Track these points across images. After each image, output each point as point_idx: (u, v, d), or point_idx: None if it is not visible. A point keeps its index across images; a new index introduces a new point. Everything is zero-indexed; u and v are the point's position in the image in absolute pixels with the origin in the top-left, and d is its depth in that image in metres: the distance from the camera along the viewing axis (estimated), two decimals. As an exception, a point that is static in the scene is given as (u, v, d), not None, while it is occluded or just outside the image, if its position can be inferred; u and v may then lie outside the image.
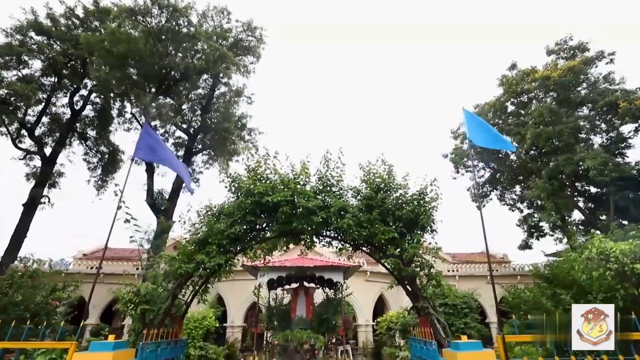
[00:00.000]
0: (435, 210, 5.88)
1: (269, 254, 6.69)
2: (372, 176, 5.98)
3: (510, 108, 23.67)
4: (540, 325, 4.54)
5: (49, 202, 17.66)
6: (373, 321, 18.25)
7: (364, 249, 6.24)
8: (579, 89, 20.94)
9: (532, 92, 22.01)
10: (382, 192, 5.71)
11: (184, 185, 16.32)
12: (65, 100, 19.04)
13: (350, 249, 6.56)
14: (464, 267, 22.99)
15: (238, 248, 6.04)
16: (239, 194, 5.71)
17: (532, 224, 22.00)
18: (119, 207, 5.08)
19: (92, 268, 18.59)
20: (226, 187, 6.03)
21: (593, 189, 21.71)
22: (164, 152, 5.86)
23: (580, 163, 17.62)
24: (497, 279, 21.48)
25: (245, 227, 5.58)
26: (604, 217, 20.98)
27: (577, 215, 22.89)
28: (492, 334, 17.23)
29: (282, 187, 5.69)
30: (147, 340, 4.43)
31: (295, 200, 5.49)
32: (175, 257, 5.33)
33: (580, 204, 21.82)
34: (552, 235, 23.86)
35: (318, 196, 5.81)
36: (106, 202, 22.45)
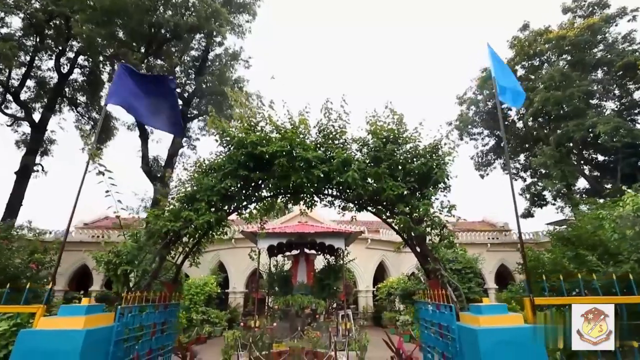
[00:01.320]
0: (450, 165, 5.19)
1: (266, 214, 6.08)
2: (379, 126, 5.21)
3: (520, 72, 22.31)
4: (560, 288, 4.03)
5: (42, 170, 17.00)
6: (373, 287, 18.30)
7: (369, 209, 5.62)
8: (594, 50, 19.52)
9: (544, 54, 20.57)
10: (391, 143, 4.97)
11: (179, 149, 15.43)
12: (51, 63, 17.79)
13: (354, 208, 5.94)
14: (464, 235, 22.79)
15: (232, 207, 5.42)
16: (231, 146, 4.98)
17: (536, 192, 21.48)
18: (91, 159, 4.38)
19: (93, 237, 18.35)
20: (216, 140, 5.30)
21: (600, 157, 20.96)
22: (145, 101, 5.04)
23: (592, 129, 16.70)
24: (498, 246, 21.36)
25: (237, 182, 4.91)
26: (609, 186, 20.42)
27: (581, 184, 22.35)
28: (490, 300, 17.29)
29: (278, 137, 4.95)
30: (131, 304, 3.92)
31: (294, 151, 4.77)
32: (160, 215, 4.71)
33: (586, 172, 21.16)
34: (553, 205, 23.48)
35: (319, 149, 5.09)
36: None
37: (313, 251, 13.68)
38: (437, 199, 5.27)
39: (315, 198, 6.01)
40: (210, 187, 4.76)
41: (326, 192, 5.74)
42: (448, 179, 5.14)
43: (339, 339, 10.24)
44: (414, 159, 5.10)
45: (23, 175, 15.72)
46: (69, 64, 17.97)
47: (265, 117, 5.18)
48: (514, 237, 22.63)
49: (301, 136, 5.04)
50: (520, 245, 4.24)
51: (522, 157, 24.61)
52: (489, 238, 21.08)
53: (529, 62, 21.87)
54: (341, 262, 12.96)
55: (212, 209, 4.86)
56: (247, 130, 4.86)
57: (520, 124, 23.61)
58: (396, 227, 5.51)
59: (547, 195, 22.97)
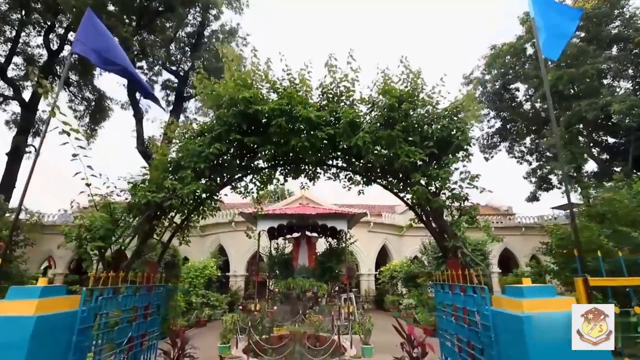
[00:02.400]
0: (473, 129, 4.46)
1: (263, 188, 5.40)
2: (392, 86, 4.44)
3: (530, 51, 21.15)
4: (598, 268, 3.40)
5: (35, 151, 16.27)
6: (375, 271, 17.88)
7: (379, 181, 4.93)
8: (610, 26, 18.33)
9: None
10: (407, 102, 4.22)
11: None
12: (40, 40, 16.78)
13: (362, 181, 5.25)
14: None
15: (224, 179, 4.74)
16: (221, 106, 4.24)
17: (543, 175, 20.74)
18: (51, 116, 3.67)
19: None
20: (203, 100, 4.54)
21: (610, 139, 20.10)
22: (114, 52, 4.27)
23: (606, 108, 15.78)
24: (502, 230, 20.80)
25: (229, 148, 4.21)
26: (618, 169, 19.65)
27: (589, 168, 21.57)
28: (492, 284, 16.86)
29: (275, 98, 4.22)
30: (103, 285, 3.30)
31: (293, 111, 4.03)
32: (139, 185, 4.03)
33: (595, 155, 20.35)
34: (559, 188, 22.78)
35: (323, 111, 4.35)
36: (97, 152, 21.09)
37: (314, 234, 13.11)
38: (456, 168, 4.58)
39: (318, 170, 5.31)
40: (197, 153, 4.06)
41: (330, 162, 5.04)
42: (470, 146, 4.43)
43: (342, 323, 9.76)
44: (432, 122, 4.38)
45: (15, 156, 15.03)
46: (59, 41, 16.97)
47: (261, 73, 4.41)
48: (517, 221, 22.09)
49: (302, 94, 4.29)
50: (572, 219, 3.51)
51: (528, 140, 23.74)
52: (493, 222, 20.52)
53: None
54: (343, 244, 12.44)
55: (200, 179, 4.18)
56: (239, 87, 4.10)
57: (527, 106, 22.62)
58: (409, 202, 4.85)
59: (553, 179, 22.26)
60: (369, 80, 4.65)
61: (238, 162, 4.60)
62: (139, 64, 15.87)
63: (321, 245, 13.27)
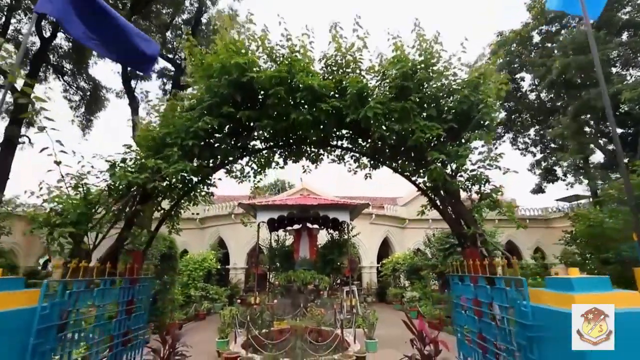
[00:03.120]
0: (499, 102, 3.94)
1: (261, 172, 4.89)
2: (405, 51, 3.88)
3: (536, 39, 20.43)
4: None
5: (29, 142, 15.77)
6: (377, 263, 17.48)
7: (388, 163, 4.41)
8: (622, 11, 17.60)
9: (565, 16, 18.63)
10: (422, 69, 3.68)
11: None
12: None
13: (369, 164, 4.75)
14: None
15: (217, 161, 4.23)
16: (212, 75, 3.70)
17: (548, 167, 20.20)
18: (9, 81, 3.15)
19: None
20: (192, 72, 4.01)
21: (618, 130, 19.48)
22: (95, 17, 3.71)
23: (616, 96, 15.15)
24: (506, 222, 20.35)
25: (221, 123, 3.69)
26: (626, 160, 19.10)
27: (595, 159, 21.02)
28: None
29: (273, 66, 3.69)
30: (72, 277, 2.83)
31: (294, 79, 3.50)
32: (119, 164, 3.51)
33: (601, 146, 19.76)
34: (564, 180, 22.26)
35: (327, 79, 3.81)
36: (93, 143, 20.55)
37: (316, 225, 12.66)
38: (475, 148, 4.07)
39: (321, 152, 4.80)
40: (185, 128, 3.54)
41: (335, 142, 4.52)
42: (494, 122, 3.90)
43: (344, 316, 9.34)
44: (451, 94, 3.84)
45: (8, 146, 14.50)
46: (51, 28, 16.29)
47: (257, 40, 3.86)
48: (521, 214, 21.61)
49: (303, 64, 3.75)
50: (629, 197, 3.00)
51: (532, 132, 23.13)
52: (496, 214, 20.04)
53: (547, 27, 19.97)
54: (345, 236, 11.99)
55: (189, 158, 3.66)
56: (232, 53, 3.55)
57: (533, 96, 21.97)
58: (421, 186, 4.34)
59: (558, 170, 21.74)
60: (377, 55, 4.10)
61: (232, 141, 4.08)
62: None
63: (322, 237, 12.84)
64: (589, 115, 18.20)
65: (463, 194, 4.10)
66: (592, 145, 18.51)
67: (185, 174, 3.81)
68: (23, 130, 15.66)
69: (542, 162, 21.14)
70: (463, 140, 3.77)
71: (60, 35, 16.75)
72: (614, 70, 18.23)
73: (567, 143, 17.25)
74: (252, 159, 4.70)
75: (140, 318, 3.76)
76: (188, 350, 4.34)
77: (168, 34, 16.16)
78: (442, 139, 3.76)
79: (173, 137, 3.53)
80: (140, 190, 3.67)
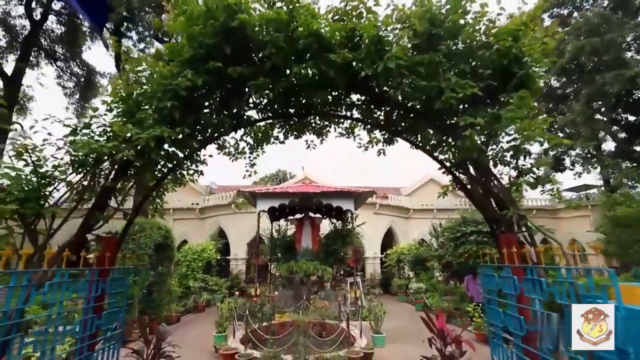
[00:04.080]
0: (543, 59, 3.21)
1: (258, 147, 4.20)
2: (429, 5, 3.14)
3: (547, 22, 19.44)
4: None
5: (22, 129, 15.04)
6: (381, 254, 16.92)
7: (405, 136, 3.72)
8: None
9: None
10: (453, 14, 2.94)
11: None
12: (22, 9, 15.25)
13: (383, 137, 4.05)
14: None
15: (207, 133, 3.54)
16: (195, 22, 2.97)
17: (557, 155, 19.42)
18: None
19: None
20: (173, 26, 3.28)
21: (631, 117, 18.63)
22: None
23: (633, 80, 14.29)
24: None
25: (207, 83, 2.99)
26: (639, 148, 18.32)
27: (606, 147, 20.21)
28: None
29: (268, 9, 2.96)
30: (23, 267, 2.19)
31: (294, 24, 2.78)
32: (81, 130, 2.82)
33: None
34: (571, 170, 21.50)
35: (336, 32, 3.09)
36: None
37: (318, 215, 12.05)
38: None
39: (327, 124, 4.09)
40: (162, 87, 2.84)
41: (343, 112, 3.81)
42: (539, 79, 3.19)
43: (347, 308, 8.77)
44: (487, 47, 3.12)
45: (-1, 134, 13.82)
46: (42, 10, 15.44)
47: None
48: (527, 204, 20.92)
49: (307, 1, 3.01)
50: None
51: (539, 120, 22.28)
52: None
53: (558, 10, 18.95)
54: (349, 225, 11.39)
55: (169, 125, 2.97)
56: (218, -7, 2.81)
57: (541, 83, 21.05)
58: (444, 162, 3.66)
59: (566, 160, 20.98)
60: (394, 8, 3.34)
61: (222, 107, 3.37)
62: (130, 34, 14.39)
63: (325, 227, 12.25)
64: (600, 103, 17.35)
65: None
66: (603, 133, 17.71)
67: (168, 147, 3.13)
68: (14, 117, 14.96)
69: (549, 151, 20.34)
70: (503, 101, 3.05)
71: (51, 18, 15.92)
72: (629, 54, 17.31)
73: (579, 130, 16.41)
74: (248, 132, 4.00)
75: (114, 316, 3.12)
76: (175, 351, 3.73)
77: (164, 16, 15.25)
78: (475, 102, 3.05)
79: (148, 97, 2.83)
80: (113, 163, 3.00)
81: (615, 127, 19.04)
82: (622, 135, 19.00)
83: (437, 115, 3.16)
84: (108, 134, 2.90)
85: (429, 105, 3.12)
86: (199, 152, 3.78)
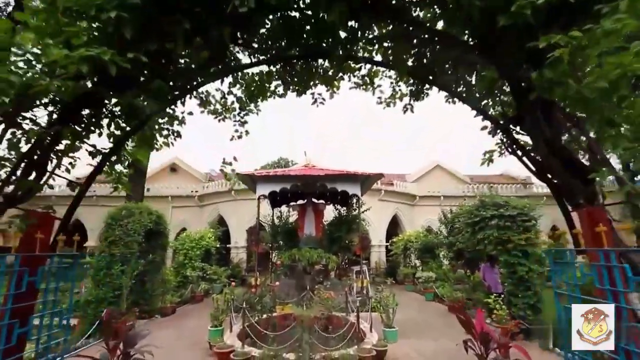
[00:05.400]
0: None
1: (251, 102, 3.25)
2: None
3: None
4: None
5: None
6: (386, 242, 16.12)
7: (439, 82, 2.77)
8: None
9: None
10: None
11: None
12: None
13: (411, 91, 3.10)
14: (482, 187, 20.17)
15: (183, 79, 2.61)
16: None
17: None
18: None
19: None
20: None
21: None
22: None
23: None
24: (521, 200, 18.80)
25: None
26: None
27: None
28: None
29: None
30: None
31: None
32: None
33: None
34: (583, 156, 20.46)
35: None
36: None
37: (322, 200, 11.17)
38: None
39: (340, 73, 3.13)
40: (102, -10, 1.89)
41: (360, 53, 2.86)
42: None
43: (353, 298, 7.98)
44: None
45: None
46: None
47: None
48: (535, 191, 20.00)
49: None
50: None
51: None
52: (510, 192, 18.51)
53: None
54: (354, 212, 10.54)
55: (117, 47, 2.02)
56: None
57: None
58: (488, 112, 2.72)
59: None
60: None
61: (195, 32, 2.42)
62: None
63: (328, 214, 11.42)
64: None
65: None
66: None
67: (123, 88, 2.20)
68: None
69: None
70: (595, 14, 2.10)
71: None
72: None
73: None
74: (238, 79, 3.05)
75: (53, 320, 2.25)
76: (144, 357, 2.88)
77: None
78: (558, 17, 2.09)
79: (82, 4, 1.89)
80: (48, 106, 2.08)
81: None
82: None
83: (499, 41, 2.20)
84: (30, 62, 1.97)
85: (482, 28, 2.17)
86: (174, 106, 2.85)
